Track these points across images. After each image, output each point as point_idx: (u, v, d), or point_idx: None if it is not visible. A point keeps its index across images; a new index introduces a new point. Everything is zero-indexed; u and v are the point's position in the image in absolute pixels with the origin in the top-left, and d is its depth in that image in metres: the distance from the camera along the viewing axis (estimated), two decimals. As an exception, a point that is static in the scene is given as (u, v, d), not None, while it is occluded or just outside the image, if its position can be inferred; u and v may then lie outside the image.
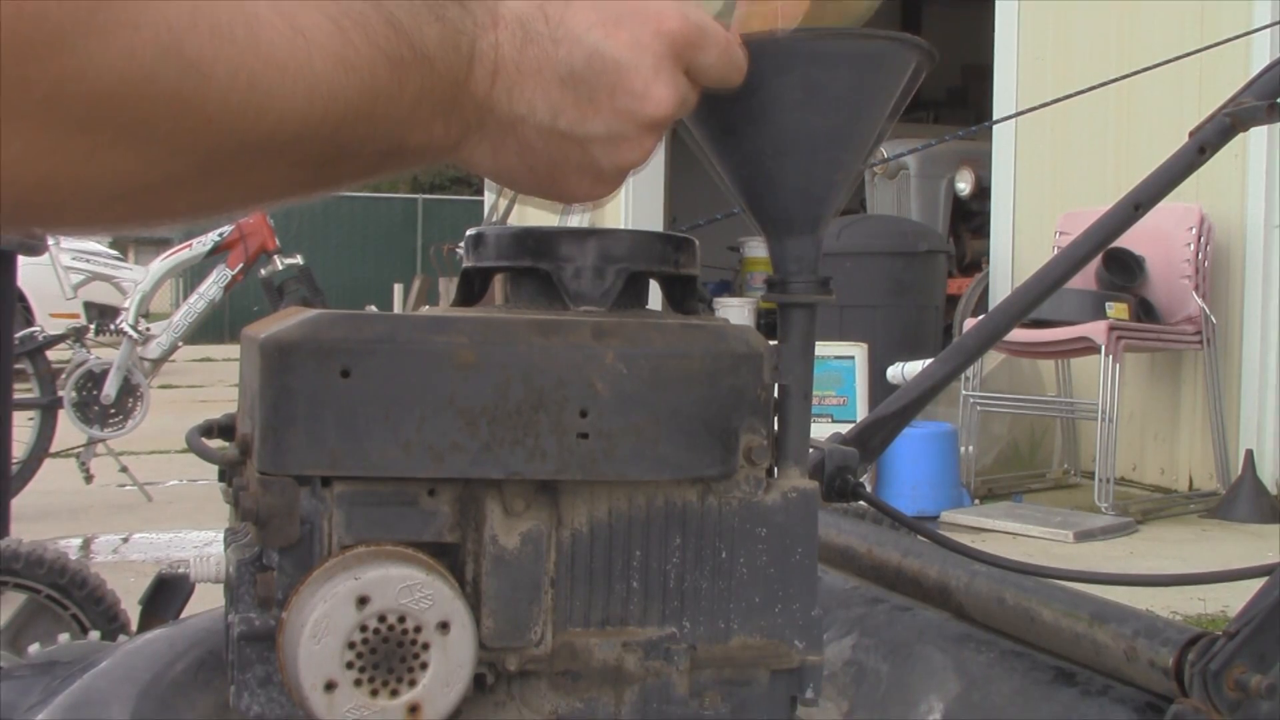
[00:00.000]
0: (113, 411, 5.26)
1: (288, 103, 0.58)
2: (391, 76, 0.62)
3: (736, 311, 8.57)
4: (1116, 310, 5.17)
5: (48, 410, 5.07)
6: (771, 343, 0.78)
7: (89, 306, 8.06)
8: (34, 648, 1.74)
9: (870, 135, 0.79)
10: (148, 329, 5.43)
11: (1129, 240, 4.76)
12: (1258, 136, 5.20)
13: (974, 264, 7.77)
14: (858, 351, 5.36)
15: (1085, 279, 5.20)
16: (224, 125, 0.56)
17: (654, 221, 9.48)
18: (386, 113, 0.63)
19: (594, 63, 0.69)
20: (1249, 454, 5.06)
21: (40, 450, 5.03)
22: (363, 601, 0.66)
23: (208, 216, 0.65)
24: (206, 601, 1.09)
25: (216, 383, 10.56)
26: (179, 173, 0.58)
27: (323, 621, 0.66)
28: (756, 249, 9.58)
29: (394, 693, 0.67)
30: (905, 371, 5.20)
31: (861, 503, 1.16)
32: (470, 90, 0.66)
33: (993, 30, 6.80)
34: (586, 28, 0.69)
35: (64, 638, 1.84)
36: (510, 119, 0.68)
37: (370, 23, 0.61)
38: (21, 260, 2.82)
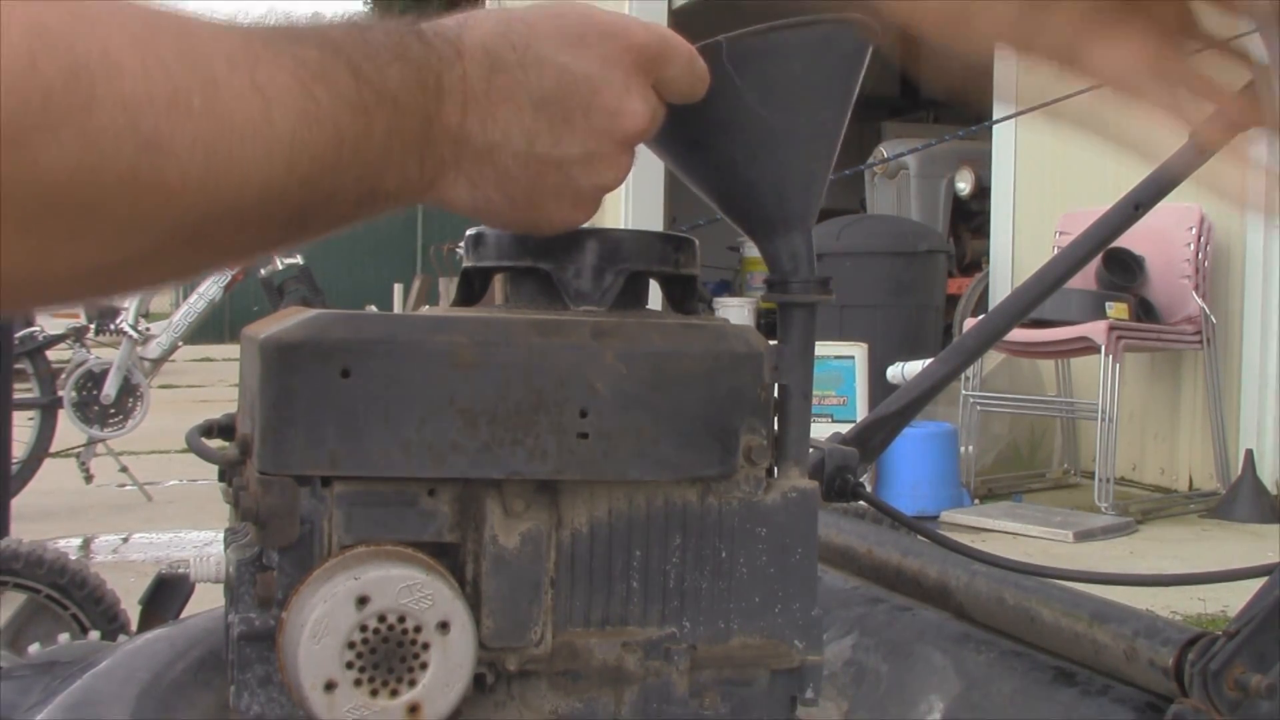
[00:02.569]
0: (113, 411, 5.27)
1: (250, 166, 0.57)
2: (356, 123, 0.61)
3: (736, 311, 8.57)
4: (1116, 310, 5.17)
5: (48, 410, 5.08)
6: (771, 343, 0.78)
7: (89, 306, 8.06)
8: (34, 648, 1.74)
9: (836, 121, 0.78)
10: (148, 329, 5.44)
11: (1129, 240, 4.76)
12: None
13: (974, 264, 7.77)
14: (858, 351, 5.36)
15: (1085, 279, 5.20)
16: (184, 200, 0.55)
17: (654, 221, 9.48)
18: (355, 159, 0.62)
19: (565, 83, 0.68)
20: (1249, 454, 5.07)
21: (40, 450, 5.03)
22: (363, 601, 0.66)
23: (177, 283, 0.64)
24: (206, 601, 1.09)
25: (216, 383, 10.56)
26: (140, 250, 0.56)
27: (323, 621, 0.66)
28: (756, 249, 9.56)
29: (394, 693, 0.67)
30: (905, 371, 5.20)
31: (861, 503, 1.16)
32: (442, 124, 0.66)
33: (993, 30, 6.78)
34: (554, 49, 0.68)
35: (64, 638, 1.84)
36: (486, 148, 0.67)
37: (331, 73, 0.60)
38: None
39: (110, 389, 5.25)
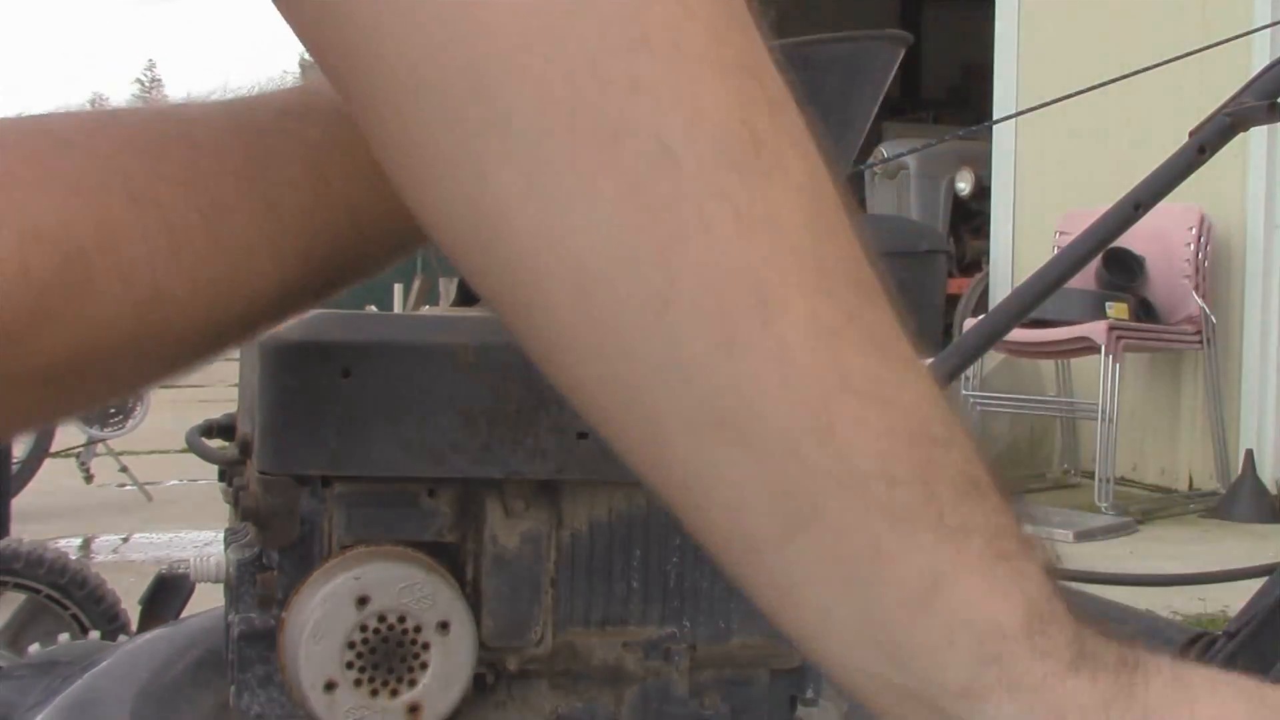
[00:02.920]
0: (112, 411, 5.26)
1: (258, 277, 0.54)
2: None
3: (736, 311, 8.56)
4: (1116, 310, 5.17)
5: (48, 410, 5.07)
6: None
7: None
8: (34, 648, 1.74)
9: (858, 134, 0.79)
10: (148, 329, 5.43)
11: (1129, 240, 4.76)
12: (1258, 136, 5.20)
13: (974, 264, 7.77)
14: (858, 351, 5.35)
15: (1085, 279, 5.20)
16: (192, 336, 0.53)
17: (654, 221, 9.48)
18: None
19: None
20: (1249, 454, 5.07)
21: (40, 450, 5.03)
22: (363, 601, 0.66)
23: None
24: (206, 601, 1.09)
25: (216, 383, 10.53)
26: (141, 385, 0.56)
27: (323, 621, 0.66)
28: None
29: (394, 693, 0.67)
30: (905, 371, 5.19)
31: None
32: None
33: (993, 30, 6.80)
34: None
35: (64, 638, 1.85)
36: None
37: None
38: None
39: (110, 389, 5.24)
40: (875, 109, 0.79)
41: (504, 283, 0.42)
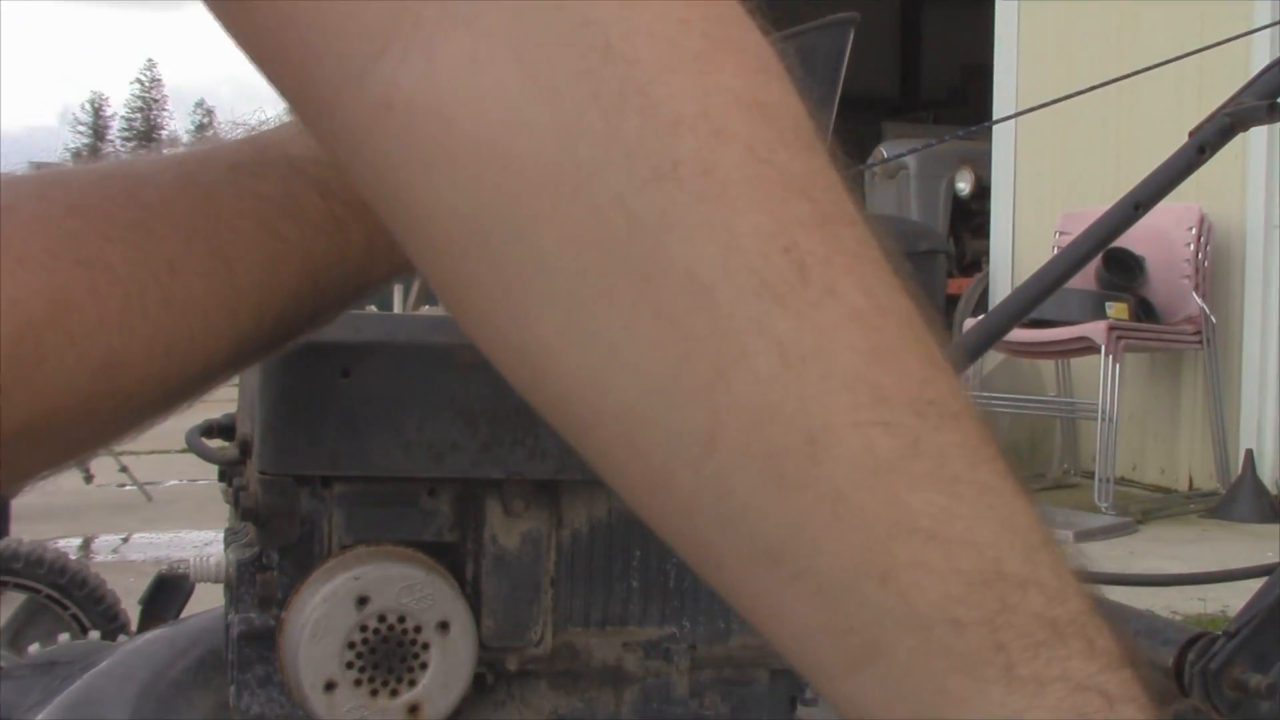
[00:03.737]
0: (113, 411, 5.26)
1: (216, 335, 0.53)
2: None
3: (736, 311, 8.55)
4: (1116, 310, 5.17)
5: (48, 410, 5.07)
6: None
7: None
8: (34, 648, 1.74)
9: (823, 123, 0.79)
10: (148, 329, 5.43)
11: (1129, 240, 4.76)
12: (1258, 136, 5.20)
13: (974, 264, 7.76)
14: (858, 351, 5.35)
15: (1085, 279, 5.19)
16: (144, 397, 0.52)
17: (654, 221, 9.47)
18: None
19: None
20: (1249, 454, 5.06)
21: (40, 450, 5.02)
22: (363, 601, 0.66)
23: None
24: (206, 601, 1.09)
25: (216, 383, 10.54)
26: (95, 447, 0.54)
27: (323, 621, 0.66)
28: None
29: (394, 693, 0.67)
30: (905, 371, 5.19)
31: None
32: None
33: (993, 30, 6.80)
34: None
35: (64, 638, 1.84)
36: None
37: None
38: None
39: (110, 389, 5.24)
40: (836, 95, 0.79)
41: (556, 419, 0.42)
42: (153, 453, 6.15)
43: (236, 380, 0.75)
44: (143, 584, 1.86)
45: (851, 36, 0.79)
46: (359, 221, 0.57)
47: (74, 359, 0.47)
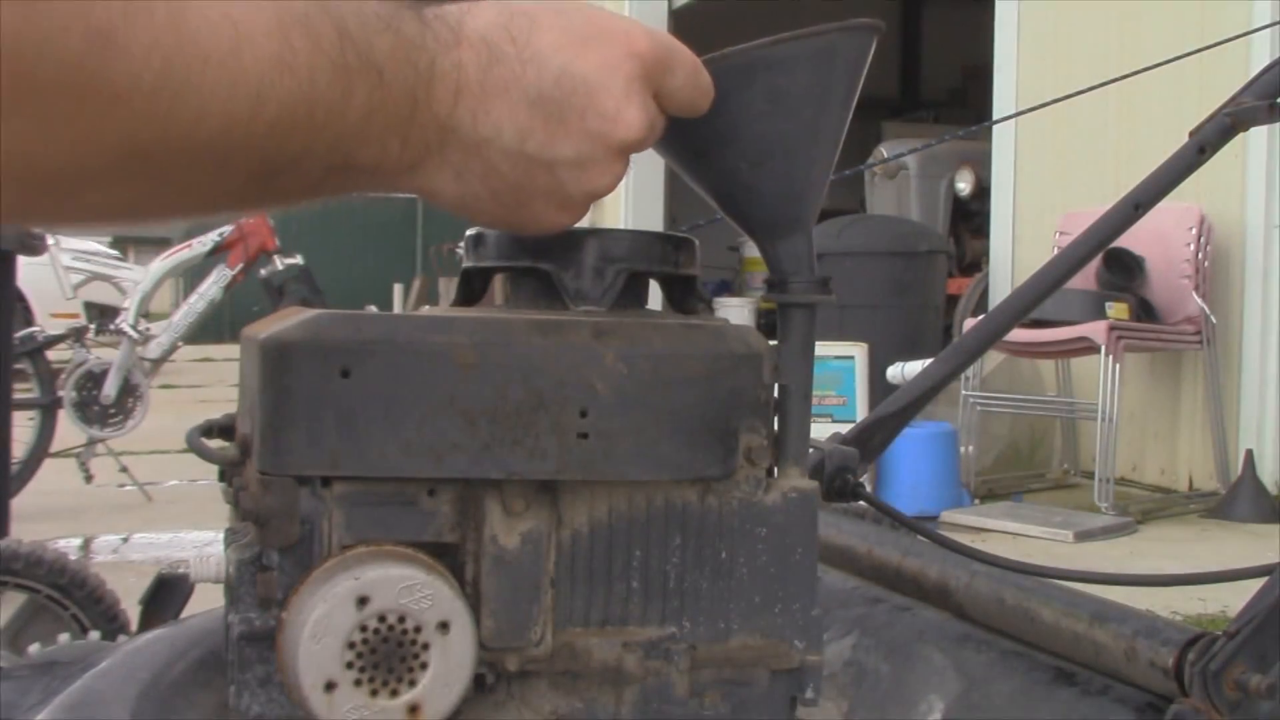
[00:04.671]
0: (113, 411, 5.26)
1: (210, 96, 0.54)
2: (334, 84, 0.59)
3: (736, 311, 8.57)
4: (1116, 310, 5.17)
5: (48, 410, 5.07)
6: (771, 343, 0.78)
7: (89, 306, 8.06)
8: (34, 648, 1.74)
9: (838, 127, 0.79)
10: (148, 329, 5.43)
11: (1129, 240, 4.76)
12: (1258, 136, 5.20)
13: (974, 264, 7.77)
14: (858, 351, 5.36)
15: (1085, 279, 5.20)
16: (134, 108, 0.53)
17: (654, 221, 9.48)
18: (329, 123, 0.60)
19: (563, 83, 0.67)
20: (1249, 454, 5.06)
21: (40, 450, 5.03)
22: (363, 601, 0.66)
23: (131, 219, 0.61)
24: (206, 601, 1.09)
25: (216, 383, 10.55)
26: (92, 161, 0.54)
27: (323, 621, 0.66)
28: (756, 249, 9.56)
29: (394, 693, 0.67)
30: (905, 371, 5.20)
31: (861, 503, 1.16)
32: (431, 110, 0.64)
33: (993, 30, 6.80)
34: (555, 49, 0.67)
35: (64, 638, 1.84)
36: (475, 141, 0.66)
37: (314, 24, 0.58)
38: (21, 260, 2.82)
39: (110, 389, 5.24)
40: (854, 99, 0.79)
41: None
42: (153, 453, 6.16)
43: (236, 380, 0.75)
44: (143, 584, 1.86)
45: (874, 45, 0.79)
46: (365, 81, 0.60)
47: (74, 7, 0.50)
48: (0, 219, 0.58)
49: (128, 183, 0.57)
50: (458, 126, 0.65)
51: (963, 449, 5.36)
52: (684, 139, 0.76)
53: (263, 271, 5.46)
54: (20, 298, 7.43)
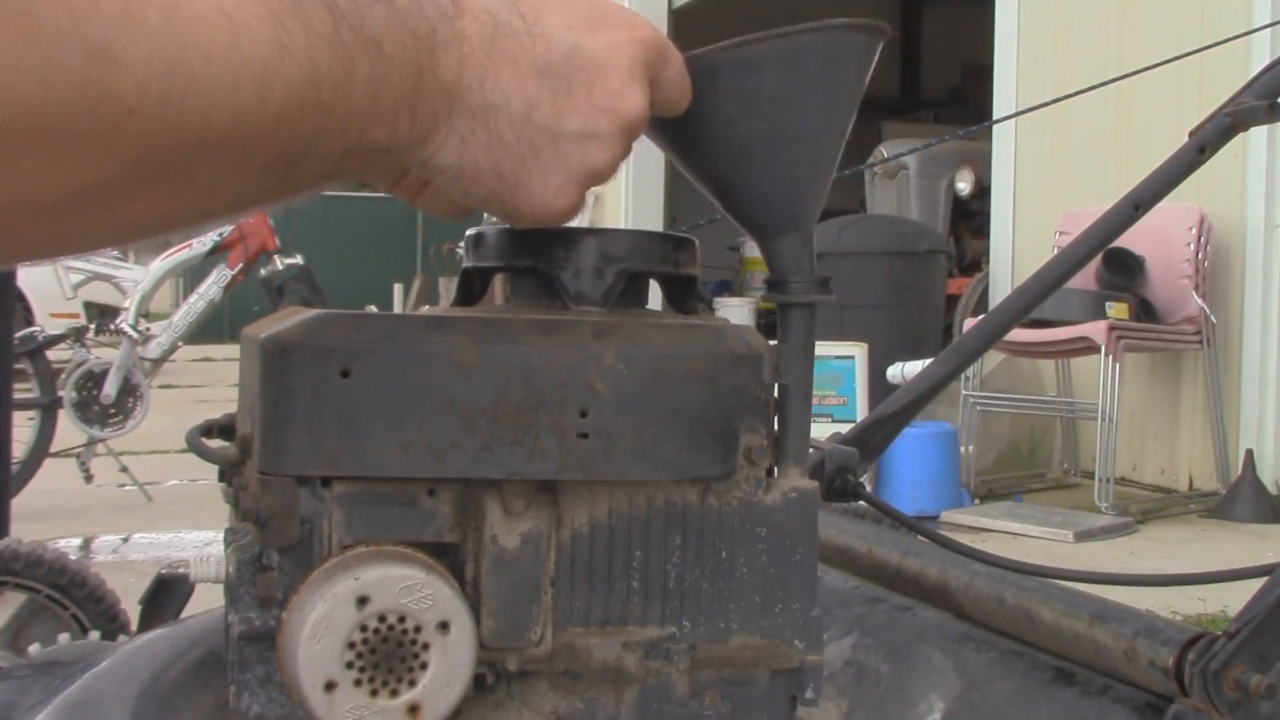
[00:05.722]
0: (113, 411, 5.26)
1: (216, 90, 0.54)
2: (335, 63, 0.59)
3: (736, 311, 8.58)
4: (1116, 310, 5.17)
5: (48, 410, 5.07)
6: (771, 343, 0.78)
7: (89, 306, 8.06)
8: (34, 648, 1.74)
9: (838, 125, 0.78)
10: (148, 329, 5.43)
11: (1129, 240, 4.76)
12: (1258, 136, 5.20)
13: (974, 264, 7.77)
14: (858, 351, 5.36)
15: (1085, 279, 5.20)
16: (146, 118, 0.52)
17: (654, 221, 9.48)
18: (336, 101, 0.60)
19: (573, 58, 0.68)
20: (1249, 454, 5.06)
21: (40, 450, 5.03)
22: (363, 601, 0.66)
23: (163, 229, 0.60)
24: (206, 601, 1.09)
25: (216, 383, 10.55)
26: (112, 178, 0.54)
27: (323, 621, 0.66)
28: (757, 249, 9.55)
29: (394, 693, 0.67)
30: (905, 371, 5.20)
31: (861, 503, 1.16)
32: (437, 76, 0.64)
33: (993, 30, 6.80)
34: (563, 27, 0.68)
35: (64, 638, 1.84)
36: (482, 107, 0.66)
37: (303, 5, 0.58)
38: (21, 260, 2.81)
39: (110, 389, 5.24)
40: (858, 98, 0.79)
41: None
42: (153, 453, 6.16)
43: (236, 380, 0.75)
44: (143, 584, 1.86)
45: (872, 47, 0.78)
46: (365, 56, 0.61)
47: (70, 28, 0.51)
48: (34, 255, 0.58)
49: (152, 194, 0.57)
50: (465, 93, 0.66)
51: (963, 449, 5.36)
52: (684, 130, 0.76)
53: (263, 271, 5.46)
54: (20, 298, 7.43)
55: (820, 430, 0.90)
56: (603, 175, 0.71)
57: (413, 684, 0.67)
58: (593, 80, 0.68)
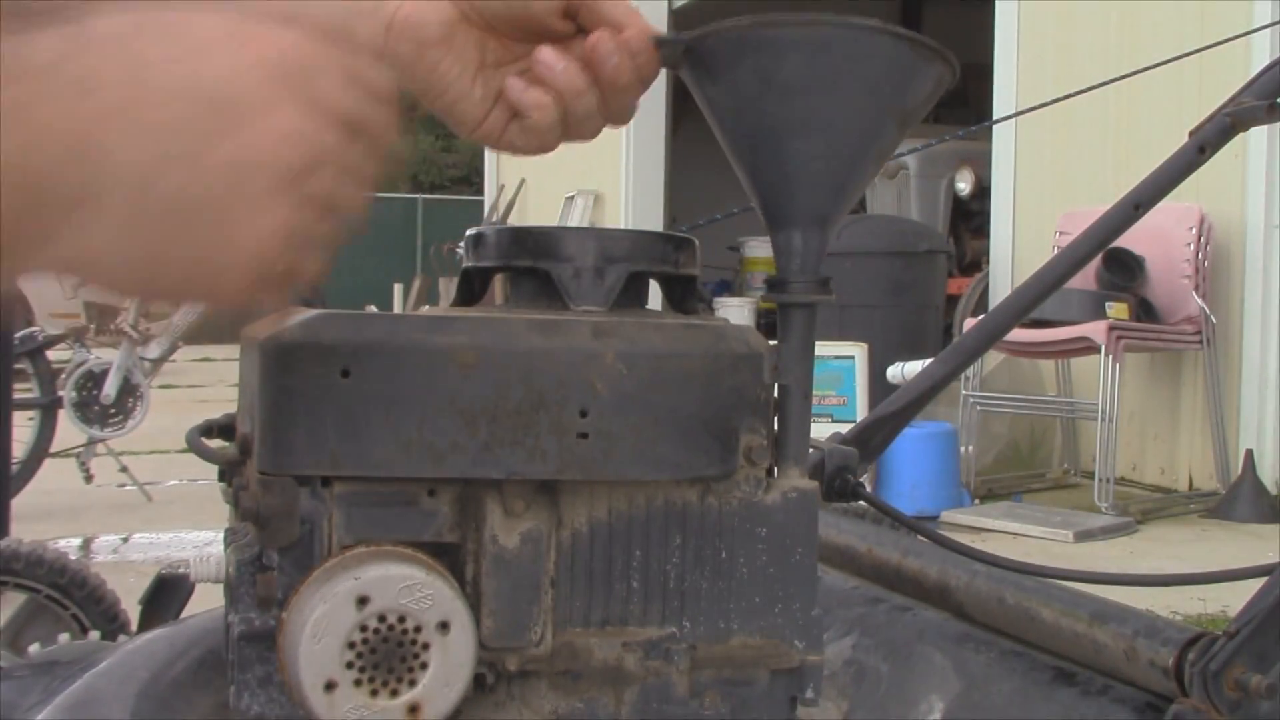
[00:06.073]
0: (113, 411, 5.26)
1: None
2: None
3: (736, 311, 8.57)
4: (1116, 310, 5.17)
5: (48, 410, 5.07)
6: (771, 343, 0.78)
7: (89, 306, 8.05)
8: (34, 648, 1.74)
9: (851, 126, 0.76)
10: (148, 329, 5.43)
11: (1129, 240, 4.76)
12: (1258, 136, 5.20)
13: (974, 264, 7.76)
14: (858, 351, 5.36)
15: (1085, 279, 5.19)
16: None
17: (654, 221, 9.48)
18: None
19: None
20: (1249, 454, 5.06)
21: (40, 450, 5.03)
22: (363, 601, 0.66)
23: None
24: (206, 601, 1.09)
25: (216, 383, 10.55)
26: None
27: (323, 621, 0.66)
28: (756, 249, 9.57)
29: (394, 693, 0.67)
30: (905, 371, 5.20)
31: (861, 503, 1.16)
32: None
33: (993, 30, 6.79)
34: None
35: (64, 638, 1.84)
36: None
37: None
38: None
39: (110, 389, 5.24)
40: (899, 113, 0.76)
41: None
42: (153, 453, 6.16)
43: (236, 380, 0.75)
44: (143, 584, 1.86)
45: (940, 74, 0.77)
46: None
47: None
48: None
49: None
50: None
51: (963, 449, 5.36)
52: (709, 108, 0.77)
53: (263, 271, 5.44)
54: (20, 298, 7.42)
55: (820, 430, 0.90)
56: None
57: (413, 684, 0.67)
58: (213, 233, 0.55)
